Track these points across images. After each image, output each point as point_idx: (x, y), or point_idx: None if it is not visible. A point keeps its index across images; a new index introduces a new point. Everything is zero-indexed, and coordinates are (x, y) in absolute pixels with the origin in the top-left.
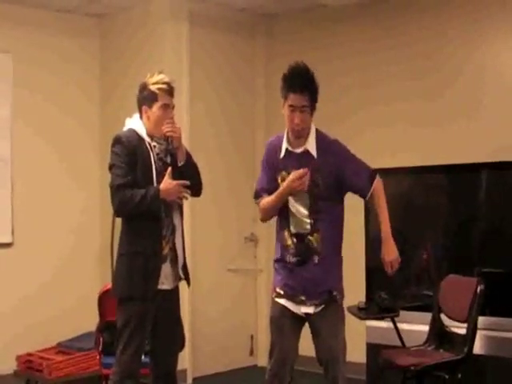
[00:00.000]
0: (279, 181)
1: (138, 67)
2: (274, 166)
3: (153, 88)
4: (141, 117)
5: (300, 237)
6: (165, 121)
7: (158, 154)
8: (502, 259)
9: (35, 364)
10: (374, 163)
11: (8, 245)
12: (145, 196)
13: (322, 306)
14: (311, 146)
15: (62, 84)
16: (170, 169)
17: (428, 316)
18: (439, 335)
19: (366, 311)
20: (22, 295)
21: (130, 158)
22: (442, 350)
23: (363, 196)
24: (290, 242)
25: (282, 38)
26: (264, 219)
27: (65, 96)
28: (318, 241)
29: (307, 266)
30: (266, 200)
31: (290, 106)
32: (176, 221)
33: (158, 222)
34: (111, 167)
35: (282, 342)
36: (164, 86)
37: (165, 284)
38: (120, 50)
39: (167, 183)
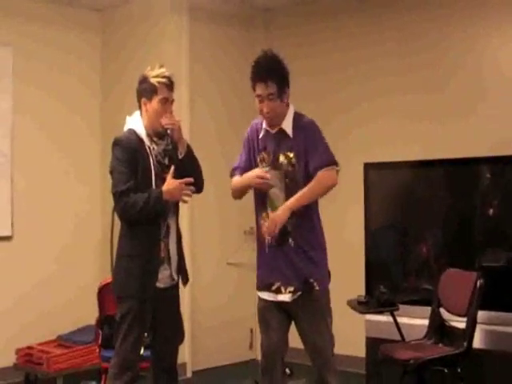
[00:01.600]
0: (258, 160)
1: (138, 61)
2: (253, 146)
3: (153, 81)
4: (140, 109)
5: None
6: (163, 115)
7: (156, 157)
8: (501, 253)
9: (35, 357)
10: (374, 157)
11: (7, 238)
12: (148, 199)
13: (299, 293)
14: (287, 125)
15: (63, 77)
16: (172, 168)
17: (427, 310)
18: (439, 329)
19: (365, 305)
20: (22, 288)
21: (130, 162)
22: (441, 344)
23: (314, 171)
24: (265, 222)
25: (280, 31)
26: (234, 197)
27: (65, 89)
28: (294, 224)
29: (283, 249)
30: (236, 180)
31: (258, 95)
32: (171, 222)
33: (155, 225)
34: (112, 172)
35: (268, 337)
36: (164, 80)
37: (163, 283)
38: (121, 43)
39: (170, 183)
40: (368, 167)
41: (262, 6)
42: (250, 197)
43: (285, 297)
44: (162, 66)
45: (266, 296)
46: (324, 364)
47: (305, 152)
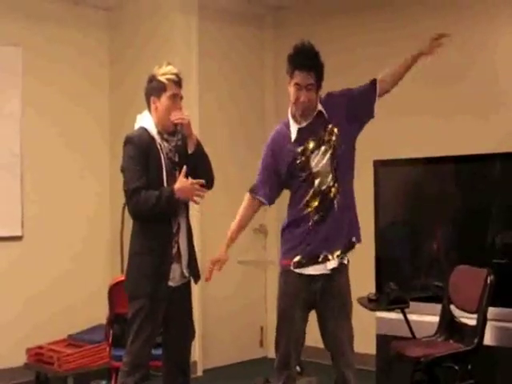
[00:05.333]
0: (299, 160)
1: (147, 58)
2: (285, 153)
3: (161, 78)
4: (149, 109)
5: (323, 192)
6: (173, 111)
7: (167, 154)
8: None
9: (45, 357)
10: (384, 154)
11: (18, 238)
12: (160, 197)
13: (344, 256)
14: (321, 107)
15: (72, 76)
16: (184, 168)
17: (438, 307)
18: (449, 326)
19: (375, 302)
20: (32, 288)
21: (142, 160)
22: (452, 341)
23: (373, 91)
24: (313, 201)
25: (290, 29)
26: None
27: (74, 88)
28: (338, 190)
29: (327, 221)
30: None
31: (296, 84)
32: (181, 220)
33: (167, 222)
34: (124, 170)
35: (289, 334)
36: (172, 77)
37: (175, 282)
38: (129, 41)
39: (182, 182)
40: (378, 164)
41: (272, 4)
42: None
43: (334, 263)
44: (169, 64)
45: (312, 270)
46: (344, 355)
47: (347, 112)
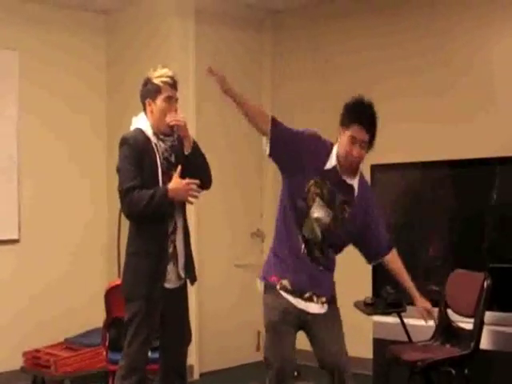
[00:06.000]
0: (313, 181)
1: (144, 62)
2: (317, 157)
3: (156, 81)
4: (145, 111)
5: (310, 241)
6: (168, 113)
7: (163, 154)
8: (510, 254)
9: (42, 360)
10: (381, 158)
11: (15, 241)
12: (153, 196)
13: (326, 306)
14: (356, 183)
15: (69, 80)
16: (179, 168)
17: (435, 311)
18: (446, 330)
19: (372, 306)
20: (28, 291)
21: (137, 160)
22: (448, 346)
23: (374, 255)
24: (300, 239)
25: (288, 33)
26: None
27: (71, 92)
28: (324, 260)
29: (314, 264)
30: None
31: (352, 137)
32: (178, 220)
33: (163, 222)
34: (119, 170)
35: (280, 351)
36: (167, 79)
37: (171, 283)
38: (126, 45)
39: (176, 182)
40: (375, 169)
41: (270, 8)
42: (255, 198)
43: (317, 307)
44: (164, 67)
45: (295, 302)
46: (343, 369)
47: (363, 219)
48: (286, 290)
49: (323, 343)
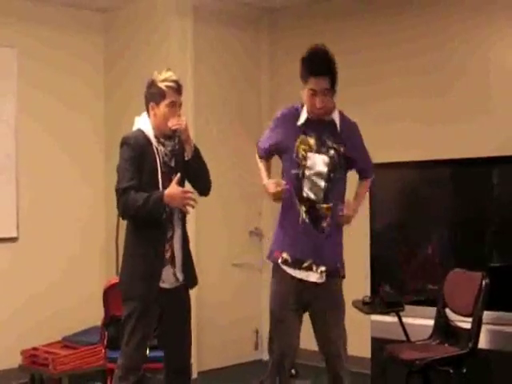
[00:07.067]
0: (297, 143)
1: (142, 61)
2: (290, 127)
3: (161, 85)
4: (148, 113)
5: (312, 203)
6: (171, 118)
7: (163, 158)
8: (508, 254)
9: (40, 358)
10: (382, 157)
11: (13, 239)
12: (147, 199)
13: (326, 277)
14: (337, 117)
15: (67, 79)
16: (178, 176)
17: (433, 310)
18: (444, 330)
19: (370, 305)
20: (27, 290)
21: (136, 161)
22: (446, 345)
23: (366, 176)
24: (302, 206)
25: (286, 32)
26: None
27: (69, 91)
28: (328, 211)
29: (317, 231)
30: (260, 168)
31: (311, 89)
32: (176, 226)
33: (160, 225)
34: (118, 169)
35: (282, 337)
36: (172, 84)
37: (168, 283)
38: (125, 44)
39: (173, 189)
40: (374, 168)
41: (267, 6)
42: (253, 197)
43: (315, 277)
44: (169, 70)
45: (296, 273)
46: (337, 357)
47: (351, 149)
48: (287, 263)
49: (323, 333)
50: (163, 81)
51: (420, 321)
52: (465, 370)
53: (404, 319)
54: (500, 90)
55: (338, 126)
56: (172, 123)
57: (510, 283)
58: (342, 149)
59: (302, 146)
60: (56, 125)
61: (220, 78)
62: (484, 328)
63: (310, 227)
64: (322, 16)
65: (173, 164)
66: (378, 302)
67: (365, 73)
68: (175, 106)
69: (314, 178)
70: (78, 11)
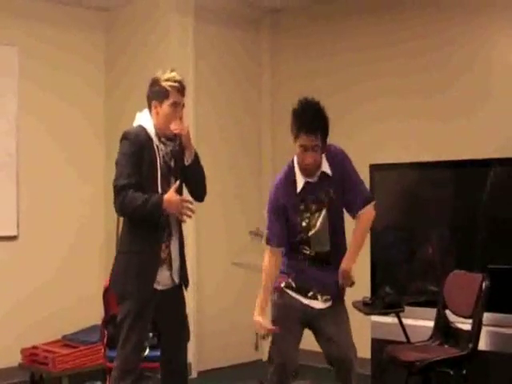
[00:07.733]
0: (299, 217)
1: (143, 60)
2: (288, 205)
3: (165, 84)
4: (150, 111)
5: (319, 254)
6: (173, 119)
7: (163, 157)
8: (508, 255)
9: (40, 357)
10: (380, 158)
11: (13, 237)
12: (146, 201)
13: (331, 301)
14: (325, 167)
15: (68, 77)
16: (177, 183)
17: (433, 311)
18: (444, 331)
19: (370, 306)
20: (27, 288)
21: (136, 158)
22: (446, 346)
23: (351, 213)
24: (307, 253)
25: (287, 32)
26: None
27: (70, 89)
28: (334, 253)
29: (321, 266)
30: (264, 279)
31: (302, 146)
32: (173, 229)
33: (158, 225)
34: (116, 164)
35: (283, 348)
36: (176, 84)
37: (162, 285)
38: (125, 43)
39: (172, 195)
40: (373, 168)
41: (268, 7)
42: (254, 197)
43: (319, 304)
44: (173, 70)
45: (301, 299)
46: (350, 372)
47: (342, 183)
48: (291, 288)
49: (331, 337)
50: (167, 80)
51: (420, 322)
52: (465, 372)
53: (404, 320)
54: (501, 91)
55: (330, 173)
56: (174, 127)
57: (510, 285)
58: (339, 194)
59: (304, 214)
60: (57, 123)
61: (221, 77)
62: (484, 330)
63: (313, 265)
64: (323, 16)
65: (172, 164)
66: (379, 302)
67: (365, 72)
68: (178, 106)
69: (319, 236)
70: (79, 10)
